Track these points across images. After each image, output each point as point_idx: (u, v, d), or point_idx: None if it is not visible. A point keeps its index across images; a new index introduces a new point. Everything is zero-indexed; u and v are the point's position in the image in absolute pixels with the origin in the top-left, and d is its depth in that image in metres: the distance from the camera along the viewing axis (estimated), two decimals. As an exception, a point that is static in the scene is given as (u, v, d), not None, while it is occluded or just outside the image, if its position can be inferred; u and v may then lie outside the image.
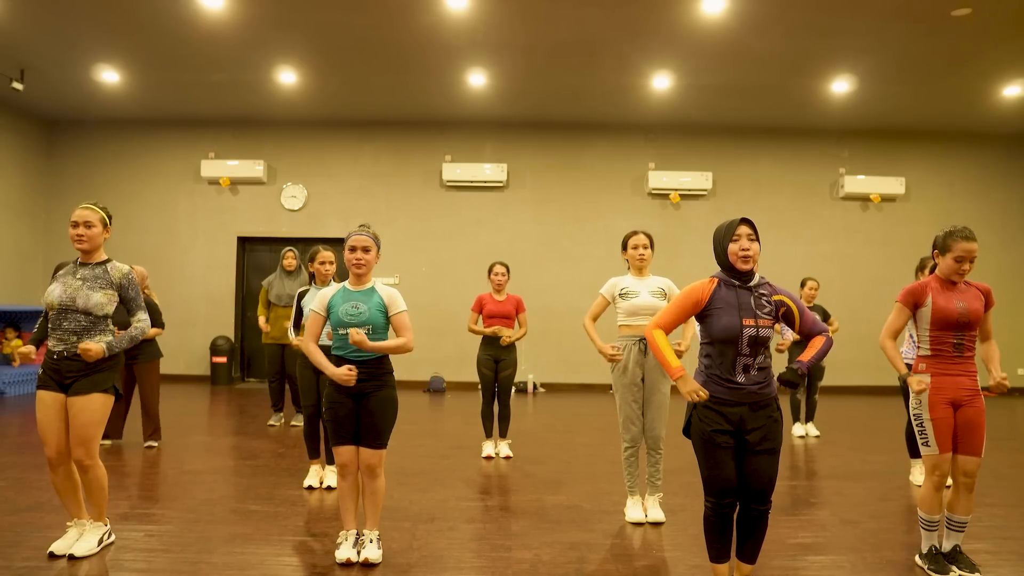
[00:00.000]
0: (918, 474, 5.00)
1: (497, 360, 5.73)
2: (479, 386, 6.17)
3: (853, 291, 10.33)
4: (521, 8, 6.67)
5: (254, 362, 10.68)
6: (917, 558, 3.44)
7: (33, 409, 7.46)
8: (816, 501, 4.58)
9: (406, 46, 7.58)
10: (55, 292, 3.34)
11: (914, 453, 5.00)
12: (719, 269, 2.91)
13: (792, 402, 6.93)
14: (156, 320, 5.71)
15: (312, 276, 4.87)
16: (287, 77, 8.59)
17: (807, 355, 2.82)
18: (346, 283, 3.42)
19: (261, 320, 6.83)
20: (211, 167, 10.31)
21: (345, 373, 3.22)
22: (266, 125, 10.46)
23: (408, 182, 10.53)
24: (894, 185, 10.32)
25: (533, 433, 6.87)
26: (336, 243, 8.65)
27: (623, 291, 4.14)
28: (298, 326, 4.74)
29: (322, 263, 4.80)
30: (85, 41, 7.59)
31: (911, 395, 3.30)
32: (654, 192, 10.38)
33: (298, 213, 10.53)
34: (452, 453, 5.87)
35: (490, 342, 5.75)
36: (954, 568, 3.27)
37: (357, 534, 3.41)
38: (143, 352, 5.85)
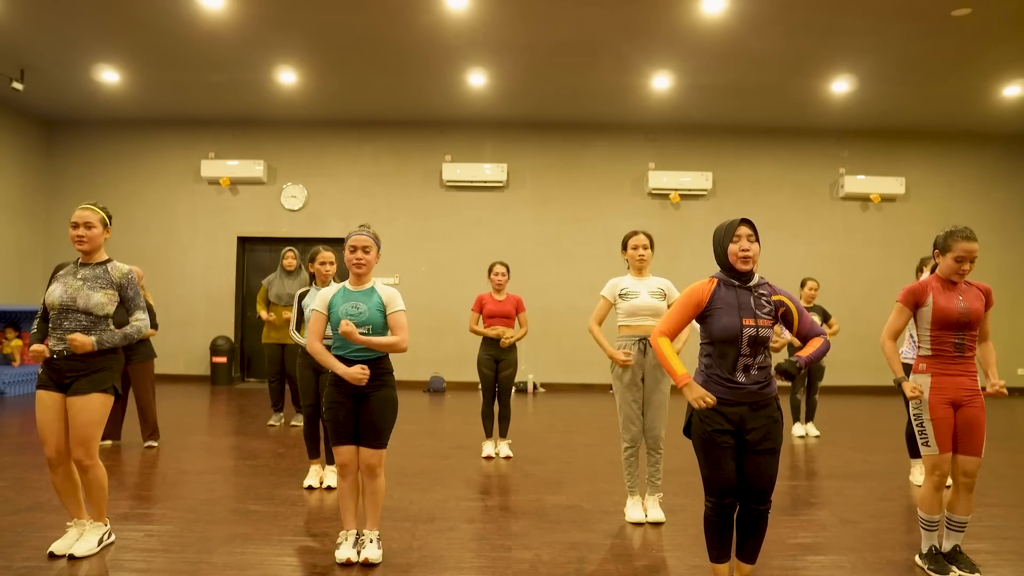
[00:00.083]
0: (918, 474, 5.00)
1: (497, 360, 5.73)
2: (479, 386, 6.17)
3: (853, 291, 10.33)
4: (521, 8, 6.67)
5: (254, 362, 10.68)
6: (917, 558, 3.44)
7: (33, 409, 7.46)
8: (816, 501, 4.58)
9: (406, 46, 7.58)
10: (56, 292, 3.34)
11: (914, 453, 5.00)
12: (719, 269, 2.91)
13: (792, 402, 6.93)
14: (150, 321, 5.70)
15: (312, 276, 4.88)
16: (287, 77, 8.59)
17: (805, 352, 2.83)
18: (346, 283, 3.42)
19: (263, 313, 6.81)
20: (211, 167, 10.31)
21: (359, 372, 3.22)
22: (266, 125, 10.46)
23: (408, 182, 10.53)
24: (894, 185, 10.32)
25: (533, 433, 6.87)
26: (336, 243, 8.65)
27: (623, 291, 4.14)
28: (299, 326, 4.74)
29: (322, 263, 4.80)
30: (85, 41, 7.59)
31: (915, 397, 3.31)
32: (654, 192, 10.38)
33: (298, 213, 10.53)
34: (452, 453, 5.87)
35: (491, 342, 5.75)
36: (954, 568, 3.27)
37: (357, 534, 3.41)
38: (136, 353, 5.84)
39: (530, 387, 10.26)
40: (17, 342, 9.38)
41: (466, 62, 8.05)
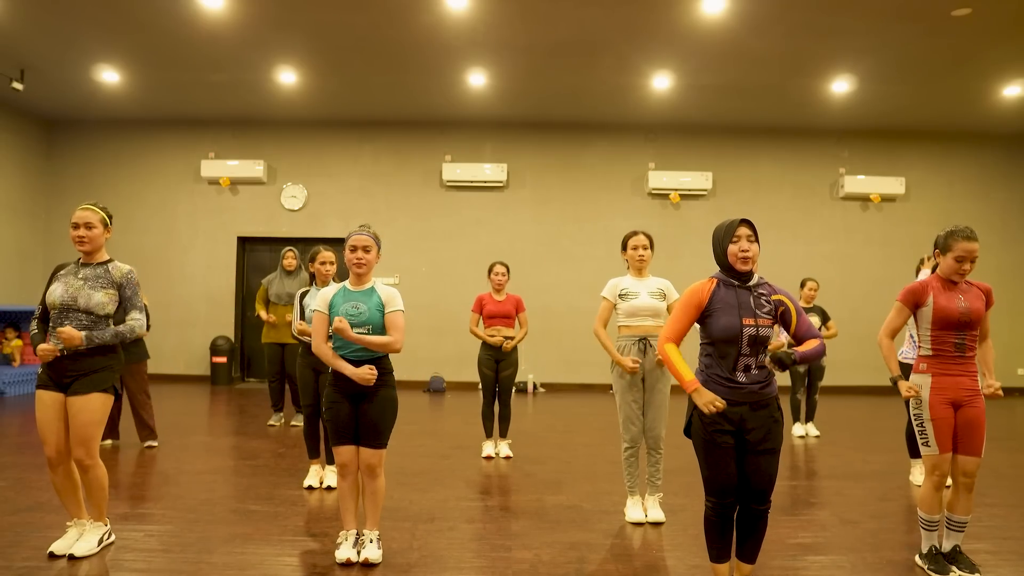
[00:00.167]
0: (918, 474, 5.00)
1: (498, 360, 5.73)
2: (479, 386, 6.17)
3: (853, 291, 10.33)
4: (521, 8, 6.67)
5: (254, 362, 10.68)
6: (917, 558, 3.44)
7: (33, 409, 7.47)
8: (816, 501, 4.58)
9: (406, 46, 7.58)
10: (57, 291, 3.34)
11: (914, 453, 5.01)
12: (718, 269, 2.91)
13: (792, 402, 6.93)
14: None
15: (312, 276, 4.88)
16: (287, 77, 8.59)
17: (802, 349, 2.83)
18: (346, 283, 3.42)
19: (262, 313, 6.82)
20: (211, 167, 10.31)
21: (367, 372, 3.22)
22: (266, 125, 10.46)
23: (408, 182, 10.53)
24: (894, 185, 10.32)
25: (533, 433, 6.87)
26: (336, 243, 8.66)
27: (623, 292, 4.15)
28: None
29: (322, 263, 4.80)
30: (85, 41, 7.59)
31: (910, 397, 3.31)
32: (654, 192, 10.38)
33: (298, 213, 10.53)
34: (452, 453, 5.87)
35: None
36: (954, 568, 3.27)
37: (357, 534, 3.41)
38: (129, 354, 5.79)
39: (530, 387, 10.26)
40: (17, 342, 9.38)
41: (466, 62, 8.05)
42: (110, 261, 3.47)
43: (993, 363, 3.38)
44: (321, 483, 4.69)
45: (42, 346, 3.29)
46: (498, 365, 5.73)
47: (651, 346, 4.07)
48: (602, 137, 10.47)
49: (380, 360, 3.36)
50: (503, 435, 5.85)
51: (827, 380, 8.87)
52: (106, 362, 3.38)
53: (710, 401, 2.68)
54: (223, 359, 10.12)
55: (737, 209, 10.13)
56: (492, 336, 5.69)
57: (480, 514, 4.19)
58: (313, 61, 8.10)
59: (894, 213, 10.54)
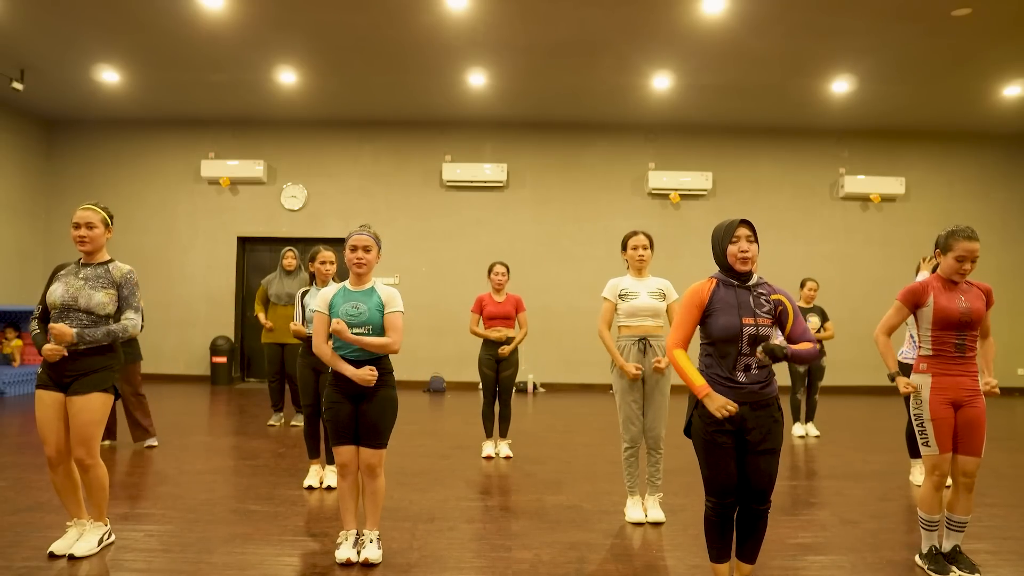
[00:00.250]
0: (918, 474, 5.00)
1: (498, 360, 5.73)
2: (479, 386, 6.17)
3: (853, 291, 10.33)
4: (521, 8, 6.67)
5: (254, 362, 10.68)
6: (917, 558, 3.44)
7: (33, 409, 7.46)
8: (816, 501, 4.58)
9: (406, 46, 7.58)
10: (57, 291, 3.34)
11: (914, 453, 5.01)
12: (718, 269, 2.91)
13: (792, 402, 6.93)
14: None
15: (312, 276, 4.88)
16: (287, 77, 8.59)
17: (795, 347, 2.82)
18: (346, 283, 3.42)
19: (261, 316, 6.84)
20: (211, 167, 10.31)
21: (367, 373, 3.23)
22: (266, 125, 10.46)
23: (408, 182, 10.53)
24: (894, 185, 10.31)
25: (533, 433, 6.87)
26: (336, 243, 8.66)
27: (623, 292, 4.15)
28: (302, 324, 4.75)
29: (322, 263, 4.80)
30: (85, 41, 7.59)
31: (911, 395, 3.31)
32: (654, 192, 10.38)
33: (298, 213, 10.53)
34: (452, 453, 5.87)
35: (492, 342, 5.74)
36: (954, 568, 3.27)
37: (357, 534, 3.41)
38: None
39: (530, 387, 10.25)
40: (17, 342, 9.38)
41: (466, 62, 8.05)
42: (111, 261, 3.47)
43: (993, 361, 3.38)
44: (321, 483, 4.70)
45: (47, 346, 3.28)
46: (499, 365, 5.73)
47: (651, 346, 4.07)
48: (602, 137, 10.47)
49: (380, 360, 3.36)
50: (503, 435, 5.85)
51: (827, 380, 8.86)
52: (106, 362, 3.38)
53: (722, 406, 2.67)
54: (223, 359, 10.12)
55: (737, 209, 10.13)
56: (495, 332, 5.70)
57: (480, 514, 4.19)
58: (313, 61, 8.10)
59: (894, 213, 10.54)
